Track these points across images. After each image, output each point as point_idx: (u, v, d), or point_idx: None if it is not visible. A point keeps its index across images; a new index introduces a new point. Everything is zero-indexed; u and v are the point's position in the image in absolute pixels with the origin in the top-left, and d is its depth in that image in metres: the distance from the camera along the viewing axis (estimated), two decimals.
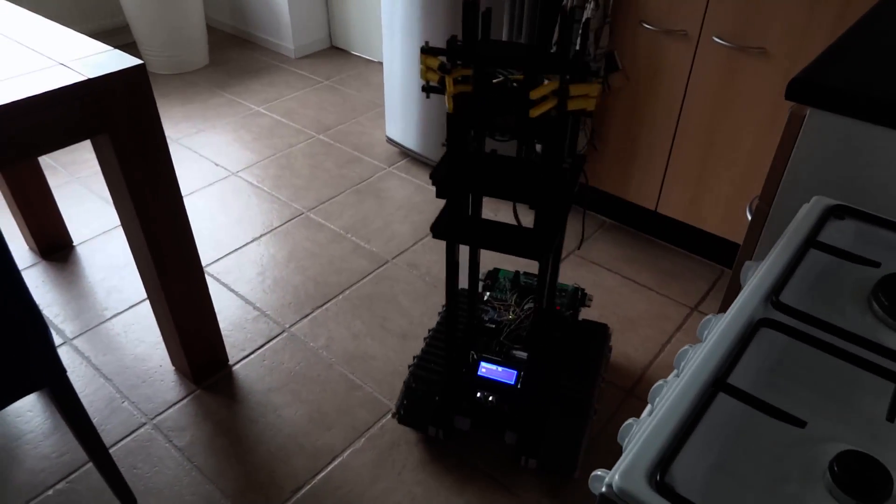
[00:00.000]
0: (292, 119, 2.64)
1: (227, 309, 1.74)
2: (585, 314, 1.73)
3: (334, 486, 1.32)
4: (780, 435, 0.50)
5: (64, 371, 1.08)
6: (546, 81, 0.94)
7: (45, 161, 2.34)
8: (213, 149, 2.44)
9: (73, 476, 1.33)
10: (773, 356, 0.57)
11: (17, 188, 1.80)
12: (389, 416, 1.46)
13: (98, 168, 2.31)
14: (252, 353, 1.62)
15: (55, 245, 1.93)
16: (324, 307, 1.75)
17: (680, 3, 1.58)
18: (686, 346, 0.64)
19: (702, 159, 1.73)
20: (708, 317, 0.67)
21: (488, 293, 1.48)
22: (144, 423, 1.44)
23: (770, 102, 1.55)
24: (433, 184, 1.04)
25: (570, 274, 1.87)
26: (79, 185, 2.22)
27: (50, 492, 1.31)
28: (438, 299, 1.78)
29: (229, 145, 2.47)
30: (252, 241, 1.99)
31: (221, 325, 1.68)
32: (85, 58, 1.14)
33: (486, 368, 1.34)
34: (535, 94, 0.92)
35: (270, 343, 1.65)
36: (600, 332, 1.49)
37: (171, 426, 1.44)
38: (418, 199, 2.18)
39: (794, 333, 0.57)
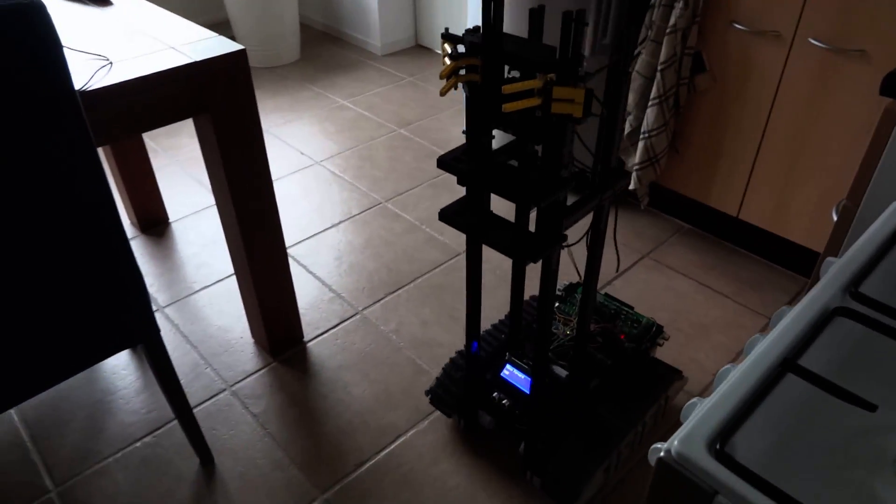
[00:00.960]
0: (375, 113, 2.73)
1: (304, 289, 1.82)
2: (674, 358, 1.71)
3: (396, 464, 1.37)
4: (849, 419, 0.49)
5: (158, 330, 1.17)
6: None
7: (149, 144, 2.51)
8: (300, 138, 2.55)
9: (158, 431, 1.44)
10: (846, 345, 0.56)
11: (123, 166, 1.96)
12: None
13: (195, 153, 2.46)
14: (326, 331, 1.69)
15: (153, 220, 2.07)
16: (396, 293, 1.81)
17: (774, 4, 1.53)
18: (757, 335, 0.63)
19: (789, 165, 1.67)
20: (782, 308, 0.66)
21: (557, 304, 1.48)
22: (224, 390, 1.54)
23: (867, 107, 1.48)
24: (438, 165, 1.06)
25: (642, 276, 1.84)
26: (177, 167, 2.38)
27: (138, 444, 1.41)
28: (506, 293, 1.80)
29: (315, 136, 2.57)
30: (331, 227, 2.07)
31: (299, 304, 1.76)
32: (192, 43, 1.23)
33: (509, 371, 1.34)
34: (507, 89, 0.89)
35: (343, 324, 1.71)
36: (666, 376, 1.38)
37: (249, 394, 1.52)
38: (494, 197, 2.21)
39: (871, 324, 0.56)
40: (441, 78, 0.97)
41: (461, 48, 0.97)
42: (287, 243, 1.99)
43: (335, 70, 3.12)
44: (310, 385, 1.55)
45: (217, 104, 1.23)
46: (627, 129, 1.89)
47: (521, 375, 1.33)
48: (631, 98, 1.83)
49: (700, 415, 0.47)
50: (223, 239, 2.01)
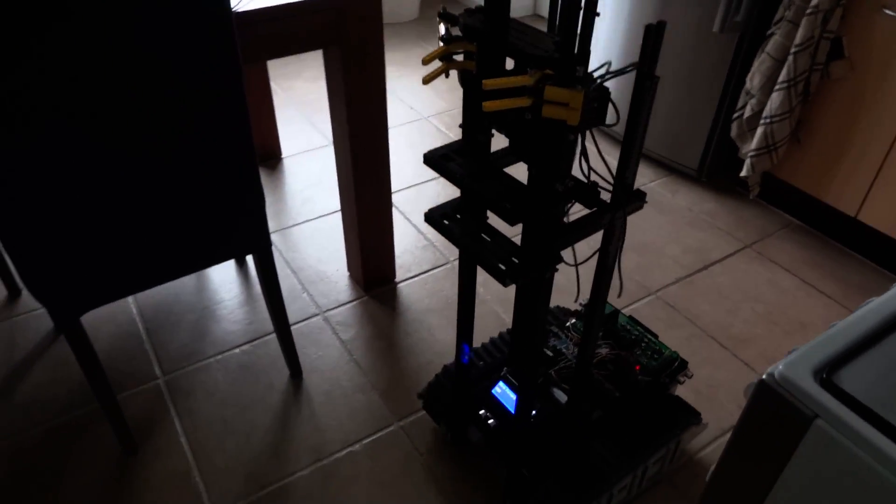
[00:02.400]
0: None
1: (401, 234, 1.89)
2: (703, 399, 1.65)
3: None
4: None
5: (270, 243, 1.25)
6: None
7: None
8: (410, 93, 2.61)
9: (255, 342, 1.55)
10: None
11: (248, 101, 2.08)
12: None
13: (311, 96, 2.57)
14: (417, 275, 1.75)
15: (268, 154, 2.20)
16: None
17: None
18: (872, 298, 0.62)
19: None
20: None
21: (574, 320, 1.34)
22: (317, 314, 1.63)
23: None
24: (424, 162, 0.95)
25: (742, 267, 1.79)
26: (294, 109, 2.50)
27: (237, 350, 1.53)
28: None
29: (424, 92, 2.63)
30: (432, 180, 2.12)
31: (395, 247, 1.82)
32: None
33: (501, 389, 1.23)
34: (488, 84, 0.74)
35: (434, 271, 1.77)
36: (680, 418, 1.22)
37: (339, 321, 1.61)
38: (597, 165, 2.19)
39: None
40: (424, 63, 0.86)
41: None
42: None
43: None
44: (396, 322, 1.61)
45: (348, 38, 1.29)
46: (748, 112, 1.82)
47: (513, 396, 1.21)
48: (756, 80, 1.76)
49: (809, 346, 0.47)
50: (329, 179, 2.11)
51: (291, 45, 1.24)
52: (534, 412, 1.18)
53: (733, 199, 2.04)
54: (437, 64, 0.88)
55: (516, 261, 0.88)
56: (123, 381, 1.45)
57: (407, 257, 1.81)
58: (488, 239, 0.92)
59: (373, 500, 1.24)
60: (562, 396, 1.19)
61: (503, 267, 0.87)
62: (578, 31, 0.71)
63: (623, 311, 1.63)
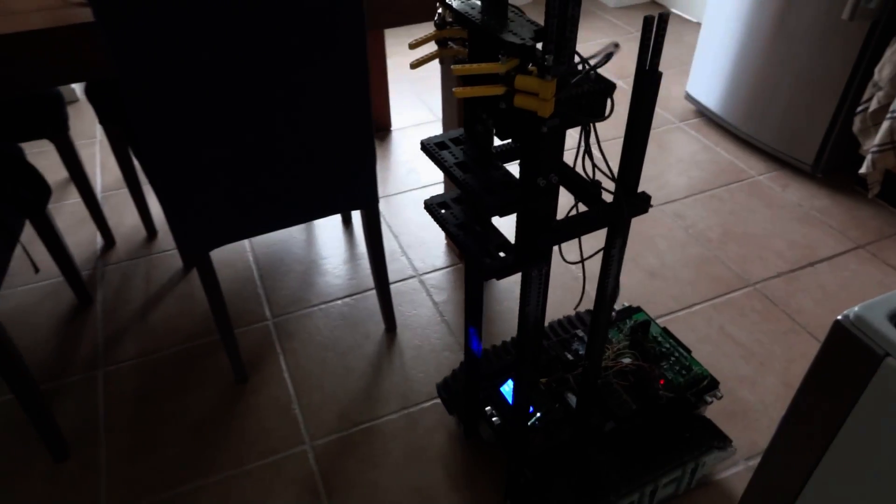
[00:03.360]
0: None
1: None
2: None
3: None
4: None
5: (378, 200, 1.35)
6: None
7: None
8: None
9: (356, 296, 1.66)
10: None
11: None
12: None
13: (423, 75, 2.67)
14: None
15: (380, 126, 2.32)
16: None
17: None
18: None
19: None
20: None
21: None
22: (414, 276, 1.72)
23: None
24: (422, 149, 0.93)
25: (852, 268, 1.71)
26: (407, 84, 2.60)
27: (339, 301, 1.65)
28: (696, 251, 1.77)
29: None
30: None
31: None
32: None
33: (509, 388, 1.22)
34: (456, 70, 0.73)
35: None
36: (703, 440, 1.16)
37: (434, 284, 1.69)
38: (702, 157, 2.14)
39: None
40: (411, 48, 0.83)
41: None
42: None
43: None
44: (488, 290, 1.68)
45: None
46: (874, 105, 1.72)
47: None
48: (887, 71, 1.67)
49: (887, 295, 0.49)
50: None
51: (411, 16, 1.32)
52: (538, 414, 1.17)
53: (849, 197, 1.95)
54: (430, 49, 0.86)
55: (502, 255, 0.85)
56: (238, 319, 1.60)
57: (503, 232, 1.86)
58: (479, 230, 0.89)
59: (451, 448, 1.31)
60: (574, 401, 1.18)
61: (488, 261, 0.84)
62: (557, 18, 0.67)
63: (715, 300, 1.61)
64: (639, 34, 2.87)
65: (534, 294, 0.89)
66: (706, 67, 2.24)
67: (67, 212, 1.96)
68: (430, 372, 1.47)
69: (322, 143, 1.19)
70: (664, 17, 0.71)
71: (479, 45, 0.82)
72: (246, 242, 1.84)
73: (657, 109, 2.40)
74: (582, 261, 0.94)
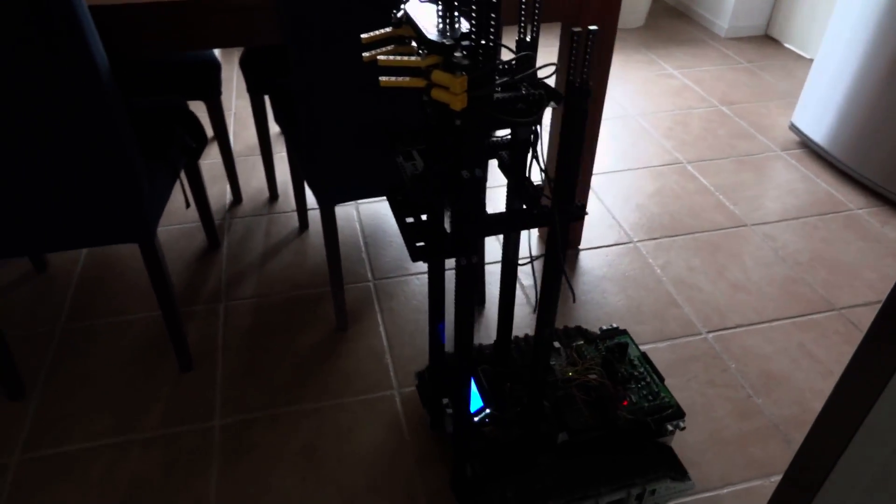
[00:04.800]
0: (700, 87, 2.78)
1: (591, 209, 2.04)
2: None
3: None
4: None
5: None
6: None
7: None
8: (621, 92, 2.74)
9: (450, 270, 1.80)
10: None
11: None
12: (697, 336, 1.60)
13: None
14: (598, 247, 1.89)
15: None
16: (672, 238, 1.93)
17: None
18: None
19: None
20: None
21: (582, 341, 1.33)
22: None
23: None
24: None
25: None
26: None
27: (402, 278, 1.79)
28: (783, 271, 1.80)
29: (636, 93, 2.74)
30: (628, 170, 2.24)
31: (583, 219, 1.98)
32: None
33: (471, 382, 1.19)
34: (381, 62, 0.77)
35: (616, 247, 1.90)
36: (657, 469, 1.15)
37: (522, 270, 1.81)
38: (800, 186, 2.16)
39: None
40: (363, 42, 0.85)
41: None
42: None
43: (674, 42, 3.22)
44: (573, 280, 1.77)
45: (586, 14, 1.47)
46: None
47: (476, 393, 1.20)
48: None
49: None
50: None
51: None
52: (488, 411, 1.19)
53: None
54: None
55: (433, 244, 0.90)
56: (344, 278, 1.77)
57: (592, 231, 1.96)
58: (423, 218, 0.94)
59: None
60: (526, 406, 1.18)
61: (419, 245, 0.89)
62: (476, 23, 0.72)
63: (797, 319, 1.65)
64: (749, 65, 2.91)
65: (464, 282, 0.92)
66: (815, 100, 2.26)
67: (205, 169, 2.21)
68: None
69: None
70: (593, 32, 0.77)
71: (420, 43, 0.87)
72: (354, 213, 2.01)
73: (759, 136, 2.43)
74: (532, 260, 1.03)
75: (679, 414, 1.20)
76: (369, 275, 1.79)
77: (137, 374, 1.49)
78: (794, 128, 2.39)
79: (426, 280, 1.76)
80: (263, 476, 1.28)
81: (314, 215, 1.98)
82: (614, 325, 1.39)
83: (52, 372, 1.49)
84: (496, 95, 0.80)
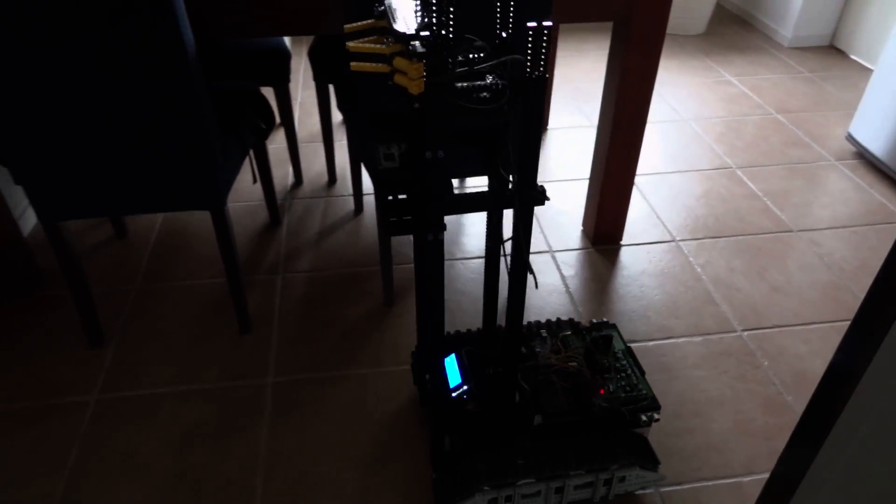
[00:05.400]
0: (757, 94, 2.78)
1: (636, 208, 2.09)
2: None
3: (660, 353, 1.58)
4: None
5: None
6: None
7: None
8: (676, 96, 2.76)
9: (466, 259, 1.88)
10: None
11: None
12: (731, 333, 1.63)
13: (584, 86, 2.86)
14: (640, 244, 1.94)
15: None
16: (714, 239, 1.96)
17: None
18: None
19: None
20: None
21: (570, 332, 1.36)
22: (547, 251, 1.91)
23: None
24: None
25: None
26: (567, 91, 2.81)
27: (478, 260, 1.88)
28: (826, 277, 1.81)
29: (691, 98, 2.76)
30: (677, 172, 2.27)
31: (627, 217, 2.03)
32: None
33: (451, 360, 1.26)
34: (350, 47, 0.84)
35: (658, 244, 1.94)
36: (629, 456, 1.18)
37: (564, 261, 1.87)
38: (852, 196, 2.15)
39: None
40: (345, 31, 0.91)
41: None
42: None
43: (734, 50, 3.21)
44: (612, 273, 1.83)
45: (635, 16, 1.53)
46: None
47: (456, 371, 1.25)
48: None
49: None
50: (581, 153, 2.38)
51: (585, 13, 1.52)
52: (465, 388, 1.23)
53: None
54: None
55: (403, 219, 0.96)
56: (393, 257, 1.88)
57: (636, 227, 2.00)
58: (403, 197, 1.00)
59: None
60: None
61: (391, 220, 0.97)
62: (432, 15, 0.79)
63: (836, 323, 1.66)
64: (810, 74, 2.89)
65: (428, 257, 0.98)
66: (875, 111, 2.24)
67: (271, 152, 2.36)
68: None
69: None
70: (547, 28, 0.82)
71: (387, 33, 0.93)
72: None
73: (814, 145, 2.41)
74: (502, 242, 1.08)
75: (654, 406, 1.22)
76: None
77: (201, 333, 1.63)
78: (850, 138, 2.37)
79: (470, 264, 1.85)
80: (308, 430, 1.39)
81: (369, 200, 2.10)
82: (604, 320, 1.41)
83: (128, 325, 1.65)
84: (461, 84, 0.86)
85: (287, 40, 2.12)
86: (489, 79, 0.88)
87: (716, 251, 1.91)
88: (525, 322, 1.39)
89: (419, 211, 0.94)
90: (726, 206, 2.10)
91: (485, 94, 0.87)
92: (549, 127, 2.55)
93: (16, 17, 1.11)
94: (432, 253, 0.98)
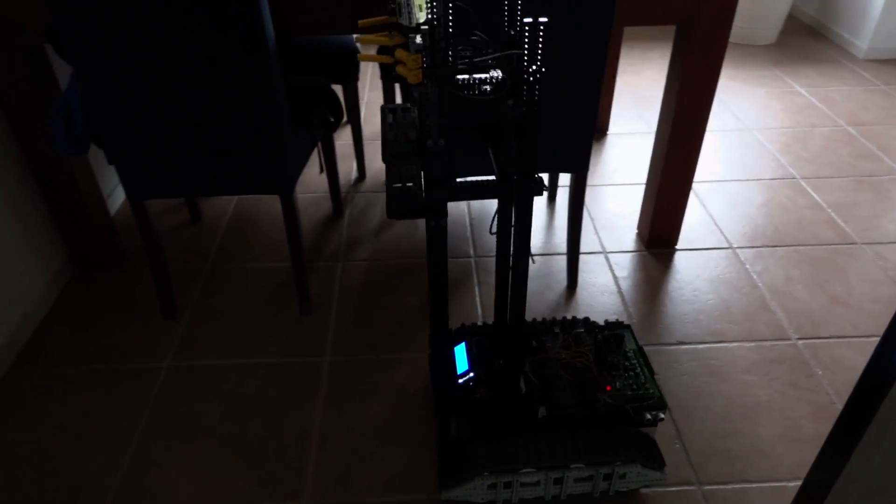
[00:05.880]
0: (827, 106, 2.71)
1: (693, 214, 2.08)
2: None
3: (710, 356, 1.58)
4: None
5: (588, 168, 1.59)
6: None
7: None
8: (740, 105, 2.73)
9: (545, 256, 1.92)
10: None
11: None
12: (786, 341, 1.61)
13: (646, 93, 2.86)
14: (695, 249, 1.94)
15: (597, 128, 2.55)
16: (773, 248, 1.93)
17: None
18: None
19: None
20: None
21: (582, 330, 1.37)
22: (601, 252, 1.93)
23: None
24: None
25: None
26: (629, 98, 2.81)
27: (539, 257, 1.91)
28: (891, 291, 1.76)
29: (756, 107, 2.72)
30: (737, 180, 2.25)
31: (683, 222, 2.03)
32: None
33: (463, 346, 1.30)
34: (358, 39, 0.91)
35: (714, 251, 1.93)
36: (630, 453, 1.19)
37: (617, 262, 1.89)
38: None
39: None
40: (360, 26, 0.96)
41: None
42: (695, 177, 2.26)
43: (804, 61, 3.14)
44: (665, 276, 1.83)
45: (698, 20, 1.55)
46: None
47: (465, 359, 1.29)
48: None
49: None
50: (639, 158, 2.38)
51: (648, 15, 1.55)
52: (472, 374, 1.26)
53: None
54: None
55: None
56: (448, 251, 1.93)
57: (691, 233, 2.00)
58: (411, 185, 1.03)
59: None
60: (523, 384, 1.24)
61: (395, 205, 1.00)
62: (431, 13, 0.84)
63: None
64: (885, 87, 2.80)
65: (435, 243, 1.04)
66: None
67: (337, 147, 2.46)
68: None
69: (565, 103, 1.46)
70: (542, 23, 0.86)
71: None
72: None
73: (885, 159, 2.34)
74: (495, 232, 1.11)
75: (661, 405, 1.22)
76: (471, 251, 1.94)
77: (265, 312, 1.73)
78: None
79: (546, 268, 1.89)
80: (360, 407, 1.46)
81: None
82: (619, 321, 1.42)
83: (199, 301, 1.76)
84: (463, 77, 0.91)
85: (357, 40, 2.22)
86: (494, 73, 0.92)
87: (774, 260, 1.88)
88: (550, 318, 1.43)
89: (425, 198, 0.99)
90: (788, 215, 2.07)
91: (486, 87, 0.92)
92: (608, 132, 2.56)
93: (122, 16, 1.23)
94: (435, 238, 1.02)
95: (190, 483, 1.31)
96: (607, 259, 1.90)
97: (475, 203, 2.15)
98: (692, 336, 1.64)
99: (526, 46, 0.89)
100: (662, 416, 1.23)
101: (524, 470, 1.17)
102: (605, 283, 1.81)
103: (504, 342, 1.23)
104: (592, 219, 2.07)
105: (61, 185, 1.69)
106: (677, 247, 1.95)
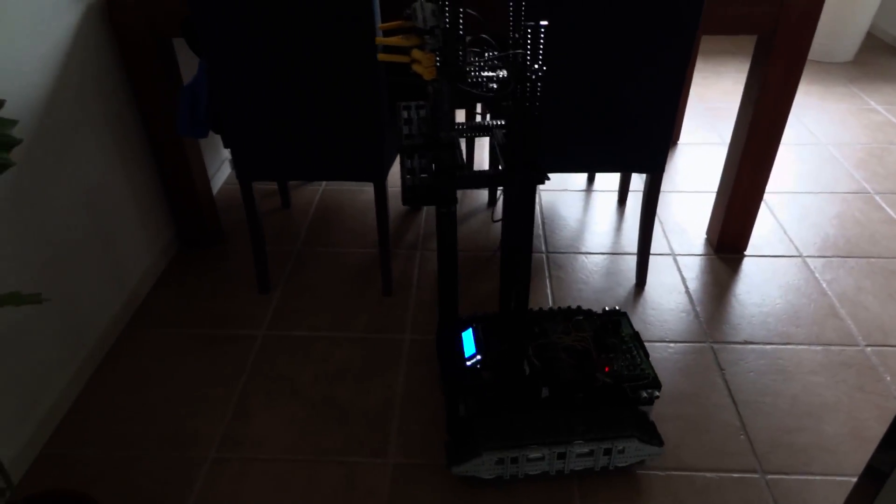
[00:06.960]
0: None
1: (764, 223, 2.12)
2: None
3: (777, 356, 1.62)
4: None
5: (664, 167, 1.67)
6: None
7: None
8: (815, 120, 2.73)
9: (615, 255, 1.99)
10: None
11: None
12: (854, 347, 1.64)
13: (719, 105, 2.89)
14: (763, 256, 1.97)
15: None
16: (844, 259, 1.95)
17: None
18: None
19: None
20: None
21: (581, 318, 1.44)
22: (669, 254, 1.99)
23: None
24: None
25: None
26: (701, 109, 2.85)
27: (601, 255, 1.99)
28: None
29: (831, 123, 2.72)
30: (810, 193, 2.27)
31: (753, 232, 2.07)
32: None
33: (469, 334, 1.38)
34: (378, 40, 0.97)
35: (782, 258, 1.96)
36: (627, 430, 1.26)
37: (684, 264, 1.95)
38: None
39: None
40: (381, 28, 1.02)
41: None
42: (767, 188, 2.29)
43: (884, 79, 3.11)
44: (734, 280, 1.88)
45: (780, 32, 1.60)
46: None
47: (472, 344, 1.36)
48: None
49: None
50: (709, 167, 2.43)
51: (732, 26, 1.61)
52: (479, 357, 1.34)
53: None
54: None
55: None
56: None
57: (761, 241, 2.04)
58: (424, 176, 1.09)
59: (676, 384, 1.57)
60: (526, 369, 1.31)
61: (408, 194, 1.06)
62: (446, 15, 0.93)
63: None
64: None
65: (444, 229, 1.10)
66: None
67: None
68: (665, 321, 1.73)
69: (644, 101, 1.55)
70: (541, 26, 0.92)
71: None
72: (536, 195, 2.27)
73: None
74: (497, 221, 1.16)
75: (655, 384, 1.30)
76: (543, 247, 2.03)
77: (350, 291, 1.86)
78: None
79: (595, 259, 1.97)
80: (437, 380, 1.57)
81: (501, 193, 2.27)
82: (616, 308, 1.50)
83: (290, 279, 1.92)
84: (473, 76, 1.02)
85: None
86: (501, 73, 1.03)
87: (844, 270, 1.91)
88: (558, 307, 1.52)
89: (435, 186, 1.06)
90: (861, 228, 2.08)
91: (493, 84, 1.02)
92: (679, 141, 2.61)
93: (250, 13, 1.39)
94: (445, 225, 1.10)
95: (286, 434, 1.44)
96: (675, 261, 1.96)
97: (546, 203, 2.24)
98: (759, 336, 1.68)
99: (529, 47, 0.98)
100: (658, 394, 1.30)
101: (530, 445, 1.25)
102: (672, 283, 1.87)
103: (508, 327, 1.31)
104: (661, 222, 2.14)
105: (176, 167, 1.88)
106: (746, 253, 1.99)
